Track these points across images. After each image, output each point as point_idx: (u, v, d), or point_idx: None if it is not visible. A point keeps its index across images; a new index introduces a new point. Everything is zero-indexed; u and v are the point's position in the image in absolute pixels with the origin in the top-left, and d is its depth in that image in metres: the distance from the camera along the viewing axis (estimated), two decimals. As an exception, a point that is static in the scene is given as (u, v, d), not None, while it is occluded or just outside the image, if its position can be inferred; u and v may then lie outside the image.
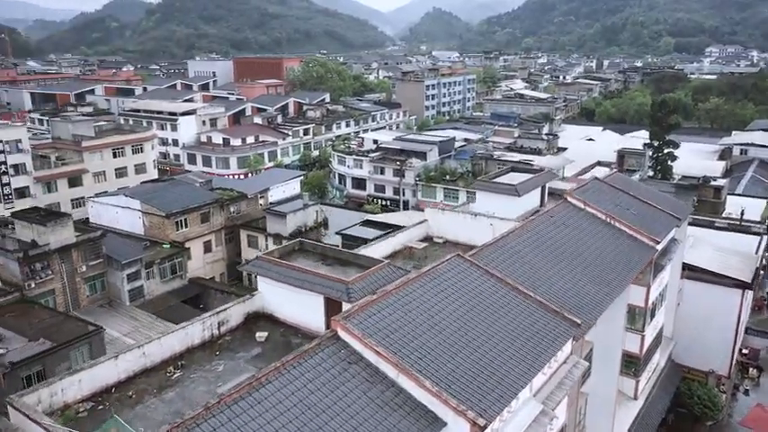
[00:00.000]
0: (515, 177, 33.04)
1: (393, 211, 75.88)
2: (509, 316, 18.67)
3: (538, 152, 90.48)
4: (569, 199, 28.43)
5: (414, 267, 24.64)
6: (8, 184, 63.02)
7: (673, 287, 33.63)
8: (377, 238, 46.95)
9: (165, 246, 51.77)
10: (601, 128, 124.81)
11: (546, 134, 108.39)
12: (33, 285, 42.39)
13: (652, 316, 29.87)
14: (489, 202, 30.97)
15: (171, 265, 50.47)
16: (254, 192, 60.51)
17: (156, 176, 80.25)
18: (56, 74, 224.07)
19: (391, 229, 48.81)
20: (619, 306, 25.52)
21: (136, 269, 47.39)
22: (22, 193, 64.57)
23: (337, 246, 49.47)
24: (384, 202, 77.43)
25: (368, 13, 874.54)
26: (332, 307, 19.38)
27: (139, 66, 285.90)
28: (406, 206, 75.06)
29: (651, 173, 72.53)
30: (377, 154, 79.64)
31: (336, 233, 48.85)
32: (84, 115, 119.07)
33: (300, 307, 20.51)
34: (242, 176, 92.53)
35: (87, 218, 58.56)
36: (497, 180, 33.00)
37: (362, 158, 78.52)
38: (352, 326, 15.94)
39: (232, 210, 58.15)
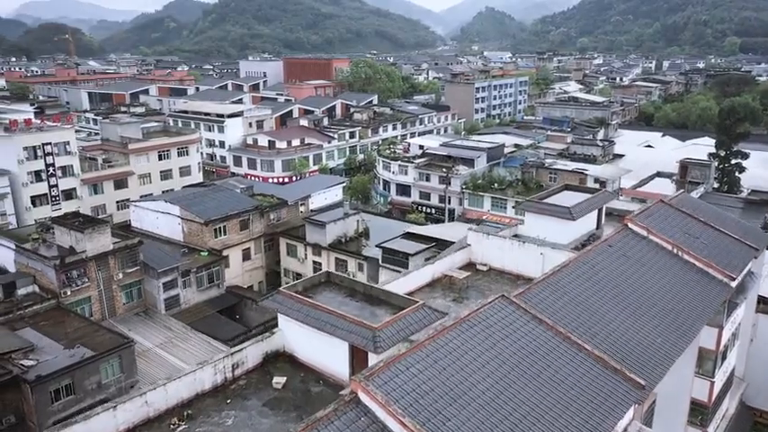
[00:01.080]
0: (569, 198, 30.11)
1: (438, 219, 73.48)
2: (560, 375, 16.13)
3: (592, 159, 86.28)
4: (630, 225, 25.46)
5: (454, 300, 22.23)
6: (56, 185, 63.65)
7: (746, 324, 30.11)
8: (418, 252, 44.93)
9: (202, 253, 50.88)
10: (660, 134, 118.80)
11: (601, 140, 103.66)
12: (69, 293, 41.97)
13: (723, 359, 26.59)
14: (540, 225, 28.21)
15: (208, 274, 49.48)
16: (295, 199, 59.14)
17: (201, 179, 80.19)
18: (114, 74, 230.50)
19: (433, 243, 46.55)
20: (687, 350, 22.48)
21: (172, 278, 46.56)
22: (69, 194, 65.15)
23: (377, 258, 47.86)
24: (429, 211, 74.97)
25: (420, 13, 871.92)
26: (357, 355, 17.31)
27: (194, 66, 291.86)
28: (451, 215, 72.41)
29: (716, 185, 67.64)
30: (423, 160, 77.23)
31: (377, 246, 46.78)
32: (135, 115, 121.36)
33: (323, 350, 18.52)
34: (286, 180, 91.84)
35: (130, 221, 58.49)
36: (549, 201, 30.12)
37: (408, 164, 76.25)
38: (374, 387, 13.78)
39: (272, 217, 56.92)
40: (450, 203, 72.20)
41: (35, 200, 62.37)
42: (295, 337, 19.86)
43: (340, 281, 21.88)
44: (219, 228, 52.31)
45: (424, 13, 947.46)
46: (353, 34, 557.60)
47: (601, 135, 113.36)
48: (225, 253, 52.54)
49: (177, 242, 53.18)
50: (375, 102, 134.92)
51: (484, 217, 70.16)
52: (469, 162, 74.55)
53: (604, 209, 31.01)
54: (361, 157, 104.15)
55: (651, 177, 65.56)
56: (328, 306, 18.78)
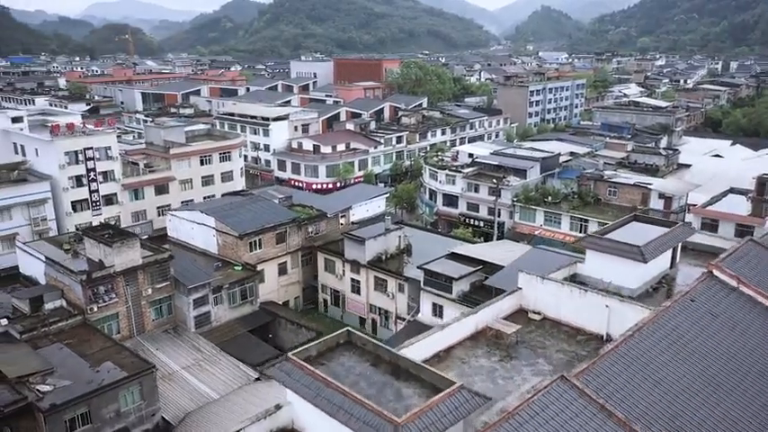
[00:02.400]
0: (639, 232, 25.94)
1: (486, 233, 69.45)
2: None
3: (654, 169, 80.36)
4: (716, 273, 21.30)
5: (501, 360, 18.65)
6: (96, 190, 62.87)
7: None
8: (462, 277, 41.26)
9: (236, 268, 48.68)
10: (729, 142, 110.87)
11: (664, 148, 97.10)
12: (96, 309, 40.31)
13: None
14: (603, 265, 24.31)
15: (241, 290, 47.22)
16: (335, 211, 56.33)
17: (243, 184, 78.58)
18: (169, 74, 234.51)
19: (480, 266, 42.85)
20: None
21: (203, 294, 44.45)
22: (110, 200, 64.33)
23: (419, 280, 44.42)
24: (476, 223, 70.96)
25: (474, 12, 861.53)
26: (376, 448, 14.10)
27: (247, 66, 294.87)
28: (501, 229, 68.23)
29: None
30: (472, 169, 73.25)
31: (419, 267, 43.38)
32: (184, 117, 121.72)
33: (337, 435, 15.38)
34: (330, 186, 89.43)
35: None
36: (615, 236, 26.02)
37: (455, 174, 72.42)
38: None
39: (310, 230, 54.32)
40: (499, 216, 68.05)
41: (76, 205, 61.71)
42: (306, 414, 16.80)
43: (363, 343, 18.63)
44: (255, 241, 50.04)
45: (477, 11, 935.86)
46: (406, 34, 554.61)
47: (664, 143, 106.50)
48: (260, 267, 50.27)
49: (212, 254, 51.26)
50: (424, 105, 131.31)
51: (536, 232, 65.79)
52: (522, 173, 70.18)
53: (680, 245, 26.75)
54: (407, 162, 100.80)
55: (723, 194, 59.66)
56: (345, 379, 15.61)
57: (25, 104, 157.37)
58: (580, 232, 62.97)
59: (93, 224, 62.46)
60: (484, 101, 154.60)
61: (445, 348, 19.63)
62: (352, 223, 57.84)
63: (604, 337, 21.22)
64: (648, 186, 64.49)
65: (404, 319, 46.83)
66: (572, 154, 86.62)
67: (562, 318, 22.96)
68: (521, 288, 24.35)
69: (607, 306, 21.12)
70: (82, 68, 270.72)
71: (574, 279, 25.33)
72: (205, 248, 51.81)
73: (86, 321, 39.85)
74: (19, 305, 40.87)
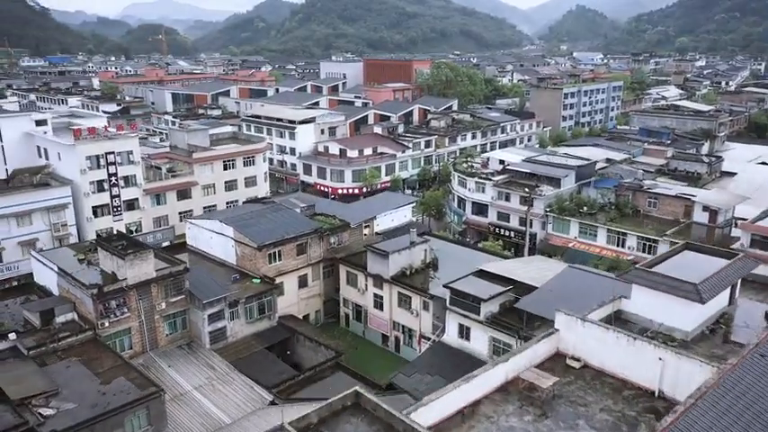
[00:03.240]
0: (692, 264, 22.90)
1: (517, 245, 66.38)
2: None
3: (696, 177, 76.28)
4: (788, 318, 18.35)
5: (535, 420, 16.02)
6: (118, 195, 61.88)
7: None
8: (491, 297, 38.51)
9: (254, 280, 46.77)
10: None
11: (706, 155, 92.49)
12: (107, 324, 38.75)
13: None
14: (653, 304, 21.45)
15: (259, 304, 45.25)
16: (359, 221, 54.02)
17: (267, 190, 77.08)
18: (200, 74, 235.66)
19: (511, 285, 40.05)
20: None
21: (219, 309, 42.58)
22: (131, 205, 63.31)
23: (444, 298, 41.84)
24: (507, 233, 67.91)
25: (506, 11, 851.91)
26: None
27: (277, 66, 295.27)
28: (532, 240, 65.07)
29: None
30: (502, 177, 70.20)
31: (444, 286, 40.77)
32: (212, 118, 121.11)
33: None
34: (356, 191, 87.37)
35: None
36: (665, 269, 23.03)
37: (485, 182, 69.46)
38: None
39: (332, 241, 52.13)
40: (531, 227, 64.87)
41: (96, 210, 60.83)
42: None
43: (373, 407, 16.20)
44: (274, 253, 48.06)
45: (510, 10, 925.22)
46: (437, 34, 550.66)
47: (706, 149, 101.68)
48: (279, 280, 48.31)
49: (230, 265, 49.51)
50: (455, 107, 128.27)
51: (570, 245, 62.49)
52: (555, 181, 66.87)
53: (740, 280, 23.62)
54: (436, 167, 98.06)
55: (775, 208, 55.53)
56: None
57: (59, 104, 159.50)
58: (618, 246, 59.64)
59: (115, 230, 62.23)
60: (516, 103, 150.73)
61: (471, 403, 17.14)
62: (377, 234, 55.53)
63: (656, 393, 18.39)
64: (692, 198, 60.60)
65: (429, 339, 44.29)
66: (608, 160, 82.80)
67: (606, 367, 20.11)
68: (558, 329, 21.61)
69: (660, 359, 18.30)
70: (116, 68, 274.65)
71: (618, 317, 22.51)
72: (224, 259, 50.09)
73: (97, 337, 38.38)
74: (30, 318, 39.67)
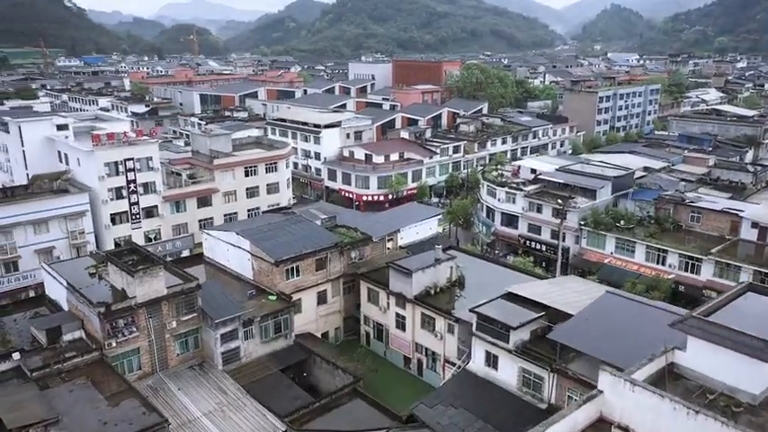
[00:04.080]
0: (758, 311, 19.74)
1: (548, 259, 63.19)
2: None
3: (740, 188, 72.00)
4: None
5: None
6: (136, 203, 60.54)
7: None
8: (522, 325, 35.61)
9: (271, 297, 44.64)
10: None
11: (751, 163, 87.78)
12: (115, 344, 36.95)
13: None
14: (712, 360, 18.46)
15: (275, 323, 43.07)
16: (382, 234, 51.50)
17: (290, 197, 75.15)
18: (229, 74, 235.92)
19: (543, 311, 37.09)
20: None
21: (232, 328, 40.54)
22: (150, 212, 61.93)
23: (471, 323, 39.03)
24: (537, 247, 64.70)
25: (539, 10, 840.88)
26: None
27: (306, 66, 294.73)
28: (565, 255, 61.72)
29: None
30: (534, 187, 66.94)
31: (471, 310, 37.96)
32: (238, 120, 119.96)
33: None
34: (381, 198, 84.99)
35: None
36: (727, 319, 19.88)
37: (516, 192, 66.28)
38: None
39: (353, 255, 49.72)
40: (564, 240, 61.47)
41: (115, 218, 59.59)
42: None
43: None
44: (292, 268, 45.85)
45: (543, 10, 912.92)
46: (468, 33, 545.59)
47: (750, 157, 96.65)
48: (297, 296, 46.14)
49: (247, 280, 47.51)
50: (485, 110, 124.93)
51: (606, 260, 59.00)
52: (590, 192, 63.38)
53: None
54: (464, 173, 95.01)
55: (832, 226, 51.39)
56: None
57: (89, 105, 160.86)
58: (657, 264, 56.01)
59: (133, 238, 60.95)
60: (548, 105, 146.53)
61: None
62: (401, 247, 53.00)
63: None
64: (739, 213, 56.54)
65: (454, 364, 41.52)
66: (646, 169, 78.87)
67: (659, 439, 17.26)
68: (602, 391, 18.72)
69: (727, 437, 15.40)
70: (147, 68, 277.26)
71: (672, 371, 19.56)
72: (240, 272, 48.13)
73: (104, 357, 36.63)
74: (37, 335, 38.15)
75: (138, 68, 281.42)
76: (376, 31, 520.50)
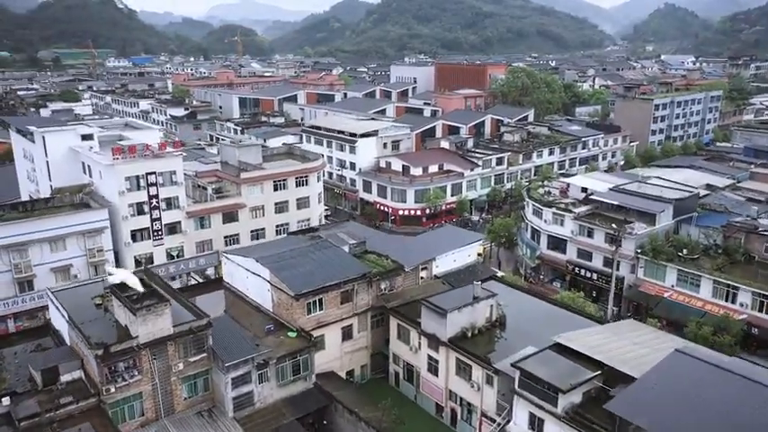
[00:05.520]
0: None
1: (600, 289, 57.43)
2: None
3: (820, 211, 64.14)
4: None
5: None
6: (159, 219, 57.46)
7: None
8: (573, 387, 30.44)
9: (290, 334, 40.59)
10: None
11: (828, 181, 79.24)
12: (114, 390, 33.39)
13: None
14: None
15: (293, 364, 39.00)
16: (415, 263, 46.83)
17: (322, 212, 71.28)
18: (270, 77, 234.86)
19: (598, 371, 31.82)
20: None
21: (245, 371, 36.61)
22: (173, 228, 58.76)
23: (512, 376, 34.06)
24: (588, 274, 58.90)
25: (588, 10, 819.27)
26: None
27: (349, 68, 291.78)
28: (619, 285, 55.77)
29: None
30: (585, 209, 61.10)
31: (513, 365, 32.95)
32: (275, 126, 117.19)
33: None
34: (418, 212, 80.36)
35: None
36: None
37: (564, 214, 60.58)
38: None
39: (383, 286, 45.21)
40: (618, 269, 55.54)
41: (136, 234, 56.57)
42: None
43: None
44: (314, 301, 41.67)
45: (592, 9, 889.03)
46: (514, 34, 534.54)
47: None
48: (320, 332, 42.02)
49: (266, 311, 43.62)
50: (530, 117, 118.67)
51: (666, 294, 52.85)
52: (649, 217, 57.18)
53: None
54: (508, 186, 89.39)
55: None
56: None
57: (131, 107, 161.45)
58: (726, 301, 49.62)
59: (155, 255, 58.04)
60: (597, 111, 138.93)
61: None
62: (436, 277, 48.21)
63: None
64: (824, 246, 49.63)
65: (492, 420, 36.54)
66: (708, 186, 71.90)
67: None
68: None
69: None
70: (191, 70, 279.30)
71: None
72: (259, 302, 44.30)
73: (101, 404, 33.14)
74: (34, 374, 34.97)
75: (183, 69, 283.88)
76: (420, 32, 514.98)
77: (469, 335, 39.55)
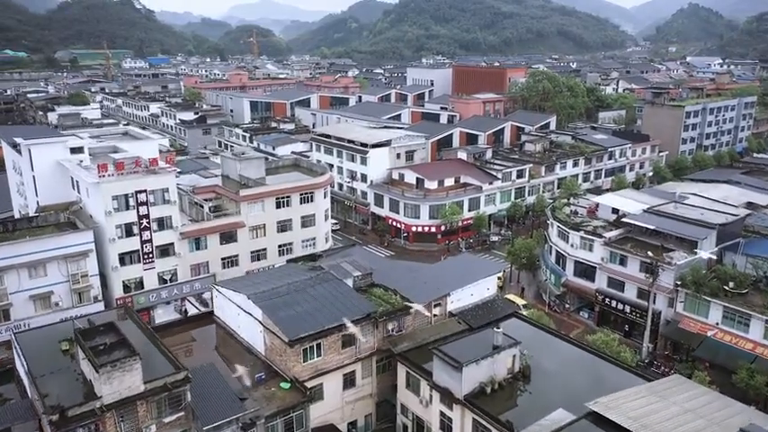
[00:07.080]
0: None
1: (633, 324, 51.79)
2: None
3: None
4: None
5: None
6: (149, 240, 52.84)
7: None
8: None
9: (283, 385, 35.62)
10: None
11: None
12: (71, 461, 28.64)
13: None
14: None
15: (285, 422, 34.05)
16: (427, 300, 41.59)
17: (328, 229, 66.37)
18: (284, 78, 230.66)
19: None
20: None
21: (228, 433, 31.63)
22: (166, 250, 54.09)
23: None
24: (620, 306, 53.20)
25: (609, 10, 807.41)
26: None
27: (365, 69, 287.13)
28: (655, 321, 50.03)
29: None
30: (616, 233, 55.36)
31: (540, 440, 27.67)
32: (284, 133, 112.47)
33: None
34: (433, 229, 75.06)
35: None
36: None
37: (593, 238, 54.91)
38: None
39: (390, 327, 40.03)
40: (654, 302, 49.80)
41: (124, 257, 51.99)
42: None
43: None
44: (311, 347, 36.60)
45: (614, 10, 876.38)
46: (534, 34, 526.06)
47: None
48: (318, 381, 36.94)
49: (257, 354, 38.71)
50: (552, 124, 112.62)
51: (709, 333, 47.01)
52: (690, 244, 51.33)
53: None
54: (530, 200, 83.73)
55: None
56: None
57: (141, 110, 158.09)
58: (781, 344, 43.62)
59: (145, 279, 53.49)
60: (621, 116, 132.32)
61: None
62: (450, 314, 42.90)
63: None
64: None
65: (513, 496, 31.19)
66: (749, 204, 65.68)
67: None
68: None
69: None
70: (205, 71, 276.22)
71: None
72: (251, 344, 39.43)
73: (57, 477, 28.36)
74: (-16, 436, 30.35)
75: (198, 70, 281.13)
76: (438, 32, 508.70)
77: (488, 390, 34.19)
